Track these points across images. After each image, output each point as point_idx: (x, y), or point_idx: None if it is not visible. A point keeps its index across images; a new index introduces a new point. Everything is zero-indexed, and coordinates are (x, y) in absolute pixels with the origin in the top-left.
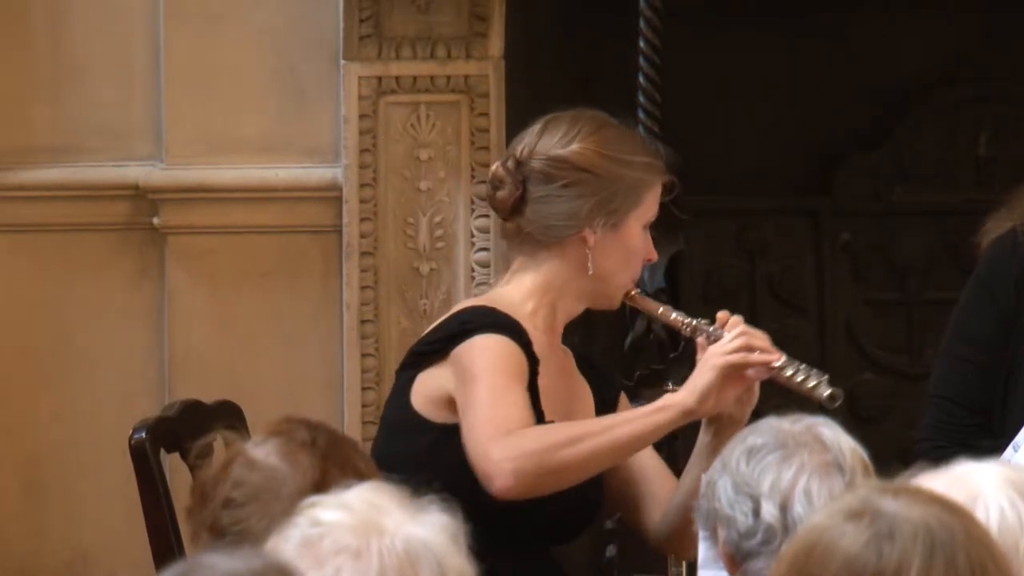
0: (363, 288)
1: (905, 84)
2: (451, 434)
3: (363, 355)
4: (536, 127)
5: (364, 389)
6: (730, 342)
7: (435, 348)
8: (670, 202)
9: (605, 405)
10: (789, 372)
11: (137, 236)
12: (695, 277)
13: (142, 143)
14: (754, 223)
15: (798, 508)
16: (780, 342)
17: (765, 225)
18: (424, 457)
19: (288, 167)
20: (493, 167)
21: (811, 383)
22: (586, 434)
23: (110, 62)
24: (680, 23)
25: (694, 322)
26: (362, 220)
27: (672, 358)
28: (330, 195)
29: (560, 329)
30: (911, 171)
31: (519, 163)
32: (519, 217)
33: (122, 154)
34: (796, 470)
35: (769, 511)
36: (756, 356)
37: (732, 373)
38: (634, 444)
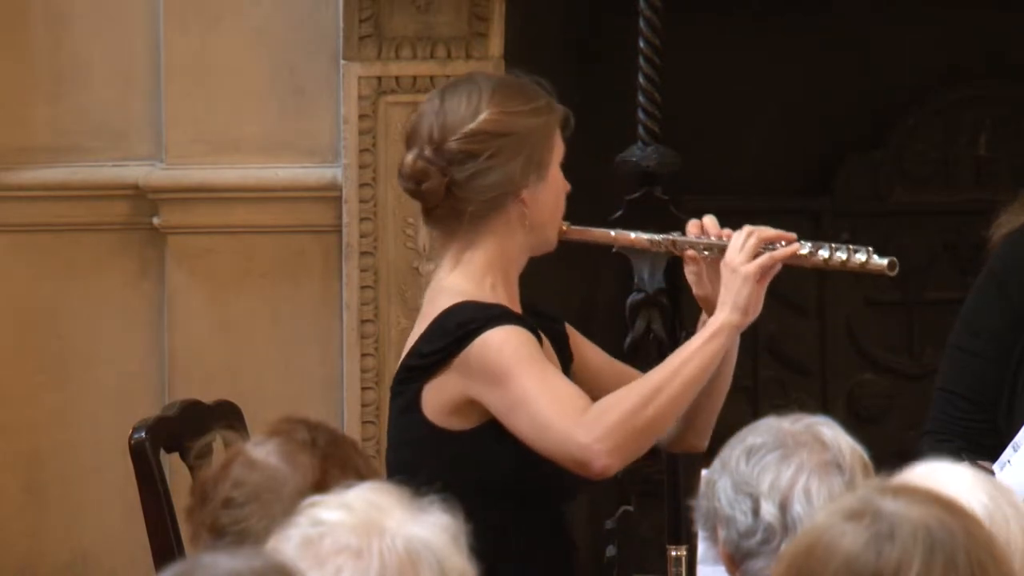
0: (363, 288)
1: (905, 84)
2: (472, 439)
3: (363, 355)
4: (432, 106)
5: (364, 389)
6: (746, 245)
7: (437, 358)
8: (670, 202)
9: (558, 344)
10: (825, 254)
11: (137, 236)
12: None
13: (142, 143)
14: (754, 223)
15: (797, 507)
16: (780, 342)
17: (765, 225)
18: (452, 467)
19: (288, 167)
20: (408, 161)
21: (860, 258)
22: (659, 386)
23: (110, 62)
24: (680, 23)
25: (671, 237)
26: (362, 220)
27: None
28: (330, 195)
29: (515, 291)
30: (911, 171)
31: (435, 149)
32: (452, 201)
33: (122, 154)
34: (795, 469)
35: (768, 510)
36: (781, 251)
37: (762, 276)
38: (703, 376)
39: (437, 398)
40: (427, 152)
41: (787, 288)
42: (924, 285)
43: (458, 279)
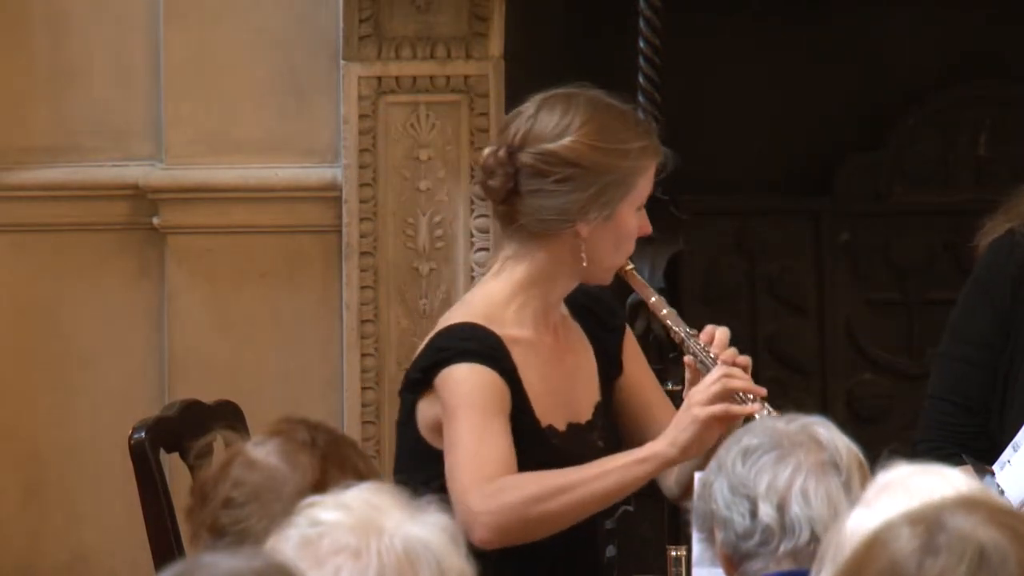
0: (363, 288)
1: (905, 84)
2: None
3: (363, 355)
4: (529, 110)
5: (364, 389)
6: (711, 388)
7: (423, 377)
8: (670, 202)
9: (607, 358)
10: None
11: (137, 236)
12: (695, 277)
13: (142, 143)
14: (754, 223)
15: (795, 508)
16: (780, 342)
17: (765, 225)
18: (440, 480)
19: (288, 167)
20: (485, 152)
21: None
22: (568, 485)
23: (110, 62)
24: (680, 23)
25: (683, 333)
26: (362, 220)
27: (671, 358)
28: (330, 195)
29: (553, 311)
30: (911, 171)
31: (510, 153)
32: (510, 206)
33: (122, 154)
34: (792, 470)
35: (766, 512)
36: (738, 408)
37: (714, 424)
38: (615, 495)
39: (426, 415)
40: (502, 153)
41: (787, 288)
42: (924, 285)
43: (490, 289)
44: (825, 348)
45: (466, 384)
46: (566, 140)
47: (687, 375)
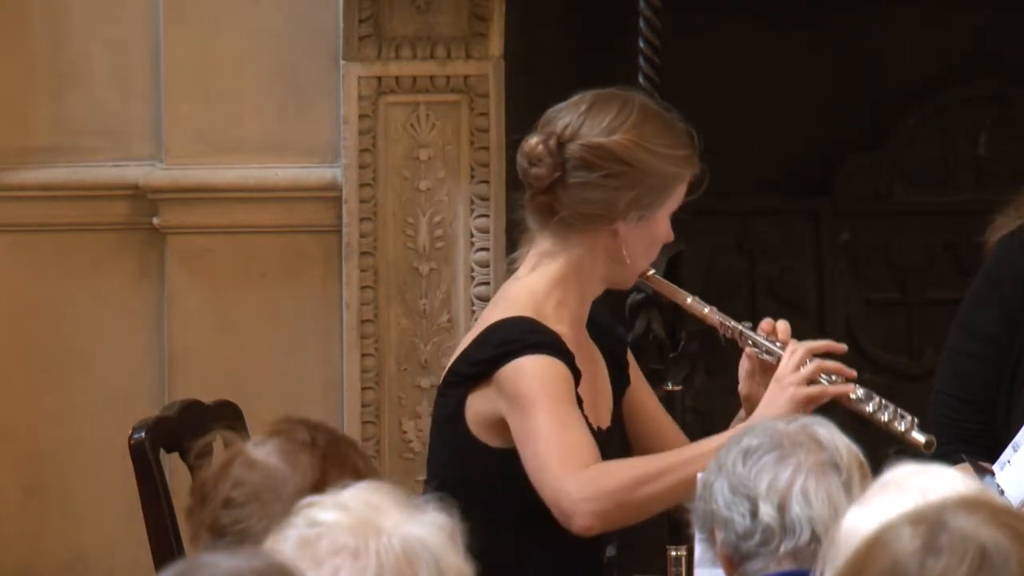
0: (363, 288)
1: (905, 84)
2: (509, 457)
3: (363, 355)
4: (582, 105)
5: (364, 389)
6: (804, 368)
7: (479, 371)
8: None
9: (617, 368)
10: (870, 408)
11: (137, 236)
12: (695, 277)
13: (142, 143)
14: (754, 223)
15: (796, 508)
16: None
17: (765, 225)
18: (484, 480)
19: (288, 167)
20: (532, 141)
21: (899, 427)
22: (665, 469)
23: (110, 62)
24: (680, 23)
25: (738, 326)
26: (362, 220)
27: (671, 358)
28: (330, 195)
29: (585, 314)
30: (911, 171)
31: (560, 144)
32: (552, 197)
33: (122, 154)
34: (793, 470)
35: (767, 512)
36: (833, 389)
37: (807, 404)
38: None
39: (478, 410)
40: (551, 143)
41: (787, 288)
42: (924, 285)
43: (530, 283)
44: None
45: (540, 376)
46: (617, 136)
47: (745, 365)
